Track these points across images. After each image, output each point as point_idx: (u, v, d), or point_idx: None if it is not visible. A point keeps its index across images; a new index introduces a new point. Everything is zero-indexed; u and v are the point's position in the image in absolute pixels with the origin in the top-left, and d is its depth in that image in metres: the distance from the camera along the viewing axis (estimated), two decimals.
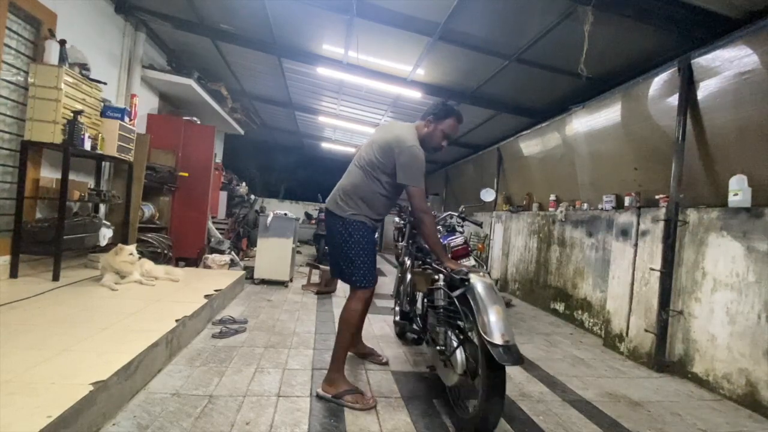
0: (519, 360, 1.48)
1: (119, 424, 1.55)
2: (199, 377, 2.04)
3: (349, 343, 2.07)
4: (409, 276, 2.69)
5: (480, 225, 2.58)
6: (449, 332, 1.88)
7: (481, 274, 1.73)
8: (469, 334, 1.73)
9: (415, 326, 2.57)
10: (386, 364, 2.47)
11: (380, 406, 1.93)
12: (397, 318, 2.97)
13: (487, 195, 3.27)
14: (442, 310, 1.94)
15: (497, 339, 1.49)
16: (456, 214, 2.75)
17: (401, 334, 3.00)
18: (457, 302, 1.76)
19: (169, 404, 1.74)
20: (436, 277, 2.02)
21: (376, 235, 2.22)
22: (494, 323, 1.53)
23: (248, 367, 2.23)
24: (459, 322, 1.82)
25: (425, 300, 2.31)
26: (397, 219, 3.33)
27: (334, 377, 1.98)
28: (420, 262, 2.66)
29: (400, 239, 3.29)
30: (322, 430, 1.67)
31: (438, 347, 1.92)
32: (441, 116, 2.12)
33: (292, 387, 2.04)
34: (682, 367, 2.71)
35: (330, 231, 2.10)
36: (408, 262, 2.78)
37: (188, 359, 2.26)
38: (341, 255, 2.03)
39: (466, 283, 1.69)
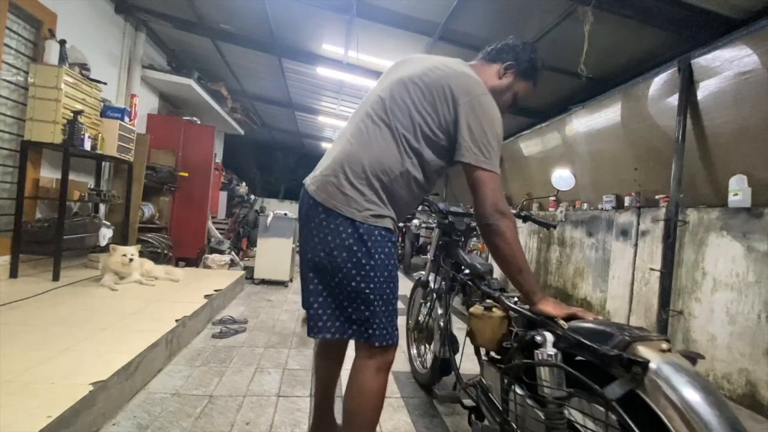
0: None
1: (119, 424, 1.55)
2: (199, 377, 2.04)
3: None
4: (439, 308, 1.87)
5: (553, 227, 1.76)
6: None
7: (664, 346, 0.83)
8: None
9: (467, 395, 1.54)
10: None
11: None
12: (418, 363, 2.17)
13: (562, 181, 1.88)
14: (555, 407, 0.98)
15: None
16: (514, 212, 1.74)
17: (428, 386, 2.07)
18: (617, 409, 0.80)
19: (169, 404, 1.74)
20: (538, 338, 1.04)
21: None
22: None
23: (248, 367, 2.23)
24: None
25: (503, 374, 1.19)
26: (415, 221, 2.17)
27: None
28: (457, 285, 1.73)
29: (403, 245, 2.64)
30: None
31: None
32: (528, 71, 1.30)
33: (292, 387, 2.04)
34: None
35: (320, 243, 1.13)
36: (438, 283, 1.90)
37: (188, 359, 2.26)
38: (346, 290, 1.11)
39: (639, 369, 0.80)
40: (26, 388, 1.43)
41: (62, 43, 3.15)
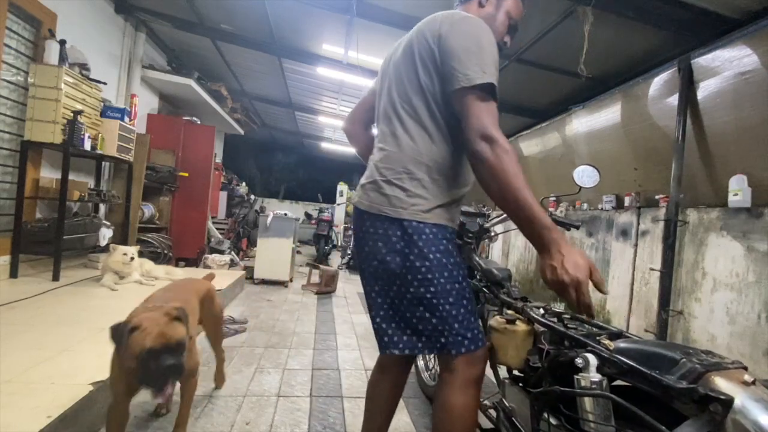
0: None
1: None
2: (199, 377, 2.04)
3: None
4: None
5: (576, 227, 1.62)
6: None
7: (746, 377, 0.69)
8: None
9: (485, 416, 1.39)
10: None
11: None
12: (427, 375, 2.04)
13: (586, 177, 1.66)
14: None
15: None
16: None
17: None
18: None
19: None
20: (579, 361, 0.90)
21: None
22: None
23: (248, 367, 2.23)
24: None
25: (534, 399, 1.05)
26: None
27: None
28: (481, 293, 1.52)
29: None
30: (322, 430, 1.67)
31: None
32: None
33: (292, 387, 2.04)
34: None
35: (371, 251, 1.05)
36: None
37: None
38: (406, 297, 1.00)
39: (720, 408, 0.65)
40: (26, 388, 1.43)
41: (62, 43, 3.15)
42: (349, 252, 6.95)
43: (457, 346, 0.98)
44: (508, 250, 5.61)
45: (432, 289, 0.98)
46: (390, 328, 1.04)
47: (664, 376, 0.73)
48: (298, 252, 7.22)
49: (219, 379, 1.97)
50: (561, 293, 0.83)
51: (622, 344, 0.89)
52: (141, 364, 1.08)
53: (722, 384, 0.67)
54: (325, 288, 4.44)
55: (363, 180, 1.11)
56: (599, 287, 0.83)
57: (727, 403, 0.64)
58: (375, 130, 1.22)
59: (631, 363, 0.80)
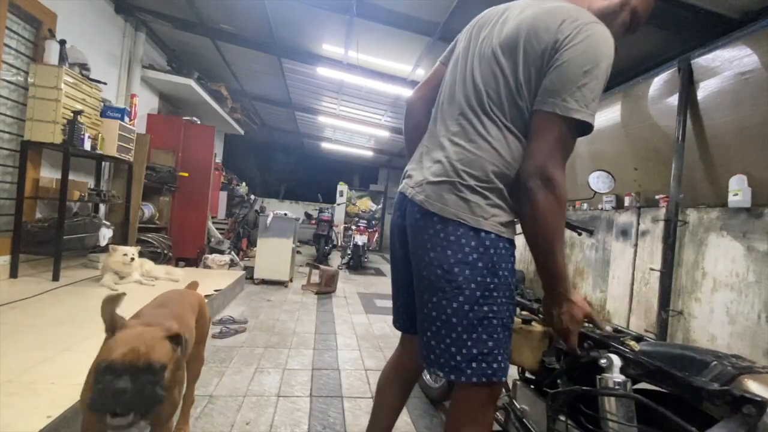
0: None
1: None
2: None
3: None
4: None
5: (589, 233, 1.57)
6: None
7: None
8: None
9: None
10: None
11: None
12: (429, 377, 1.99)
13: (601, 182, 1.68)
14: None
15: None
16: None
17: (440, 402, 1.97)
18: None
19: None
20: (603, 361, 0.90)
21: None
22: None
23: (248, 367, 2.23)
24: None
25: (551, 400, 1.04)
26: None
27: None
28: None
29: None
30: (322, 430, 1.67)
31: None
32: None
33: (292, 387, 2.04)
34: None
35: (436, 258, 0.92)
36: None
37: None
38: (468, 316, 0.90)
39: (754, 410, 0.65)
40: (26, 388, 1.43)
41: (62, 43, 3.15)
42: (349, 252, 6.96)
43: (503, 373, 0.91)
44: None
45: (495, 308, 0.91)
46: (438, 348, 0.92)
47: (693, 378, 0.73)
48: (298, 252, 7.22)
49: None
50: (555, 331, 0.95)
51: (646, 347, 0.89)
52: (95, 380, 0.83)
53: (755, 387, 0.68)
54: (325, 288, 4.44)
55: (429, 176, 0.96)
56: (597, 326, 0.92)
57: (762, 404, 0.64)
58: (433, 109, 1.10)
59: (660, 364, 0.80)
